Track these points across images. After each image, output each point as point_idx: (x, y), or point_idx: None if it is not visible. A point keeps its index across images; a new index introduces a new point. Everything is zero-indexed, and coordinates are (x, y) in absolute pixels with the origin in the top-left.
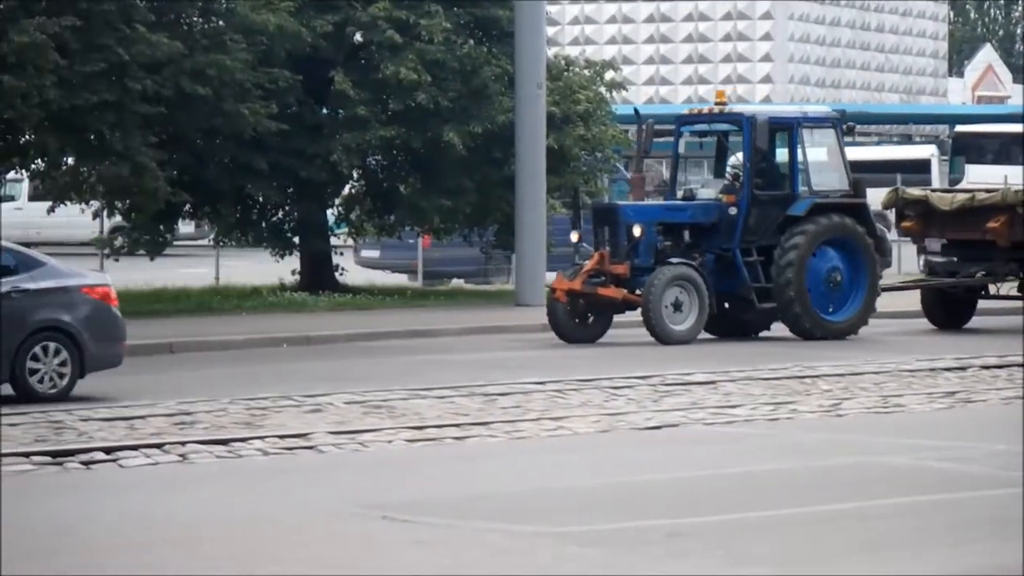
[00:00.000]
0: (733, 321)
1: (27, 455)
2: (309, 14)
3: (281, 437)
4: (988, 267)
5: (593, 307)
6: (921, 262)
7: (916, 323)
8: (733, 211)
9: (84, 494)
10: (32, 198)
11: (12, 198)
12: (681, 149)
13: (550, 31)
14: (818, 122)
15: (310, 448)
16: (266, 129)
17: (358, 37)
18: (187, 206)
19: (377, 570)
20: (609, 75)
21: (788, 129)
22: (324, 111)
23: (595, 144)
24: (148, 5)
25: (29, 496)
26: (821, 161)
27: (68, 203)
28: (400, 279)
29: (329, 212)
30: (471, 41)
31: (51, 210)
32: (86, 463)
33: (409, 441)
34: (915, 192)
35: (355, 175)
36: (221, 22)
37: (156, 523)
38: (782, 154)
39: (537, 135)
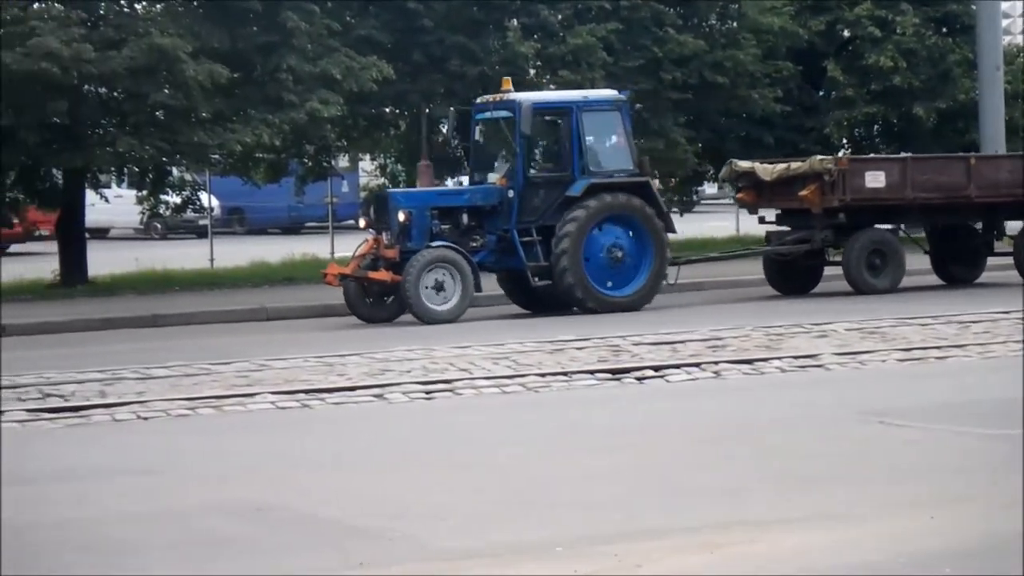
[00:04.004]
0: (541, 296)
1: (592, 372)
2: (806, 16)
3: (795, 357)
4: (807, 235)
5: (385, 289)
6: None
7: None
8: (511, 193)
9: (638, 402)
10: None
11: None
12: (477, 136)
13: (1004, 23)
14: (600, 105)
15: (819, 366)
16: (772, 110)
17: (846, 33)
18: (710, 172)
19: (877, 464)
20: None
21: (562, 114)
22: (820, 94)
23: None
24: (676, 11)
25: (595, 404)
26: (606, 143)
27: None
28: None
29: None
30: (937, 33)
31: None
32: (639, 379)
33: (899, 360)
34: (744, 164)
35: (844, 144)
36: (735, 24)
37: (696, 424)
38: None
39: (997, 110)
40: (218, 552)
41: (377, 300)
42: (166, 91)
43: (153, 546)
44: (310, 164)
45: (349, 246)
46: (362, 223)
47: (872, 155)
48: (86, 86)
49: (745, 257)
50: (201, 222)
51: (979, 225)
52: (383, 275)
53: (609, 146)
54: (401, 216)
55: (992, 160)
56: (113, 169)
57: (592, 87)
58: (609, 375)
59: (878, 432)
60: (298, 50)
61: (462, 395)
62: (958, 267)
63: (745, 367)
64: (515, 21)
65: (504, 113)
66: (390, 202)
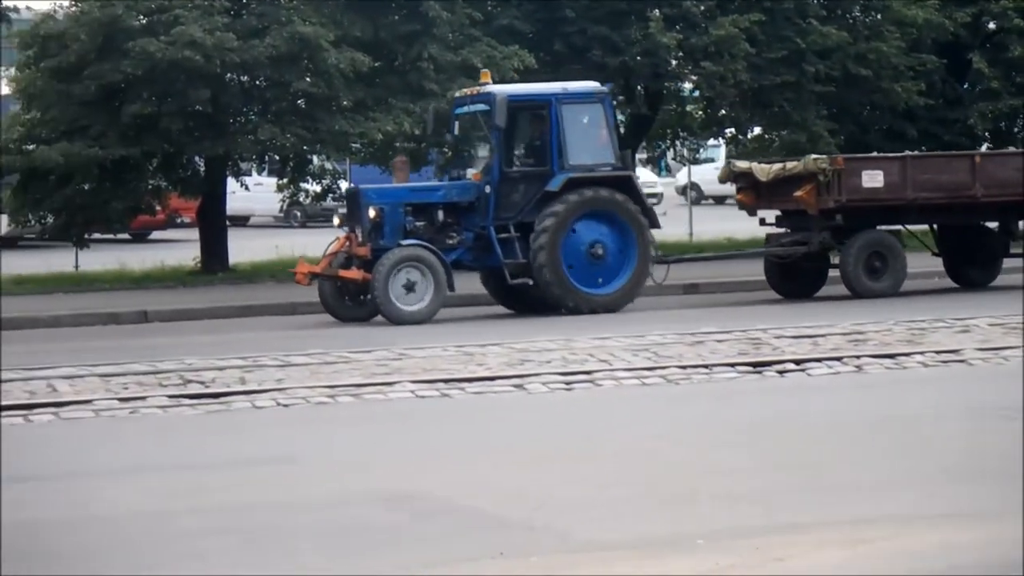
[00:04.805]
0: (524, 295)
1: (733, 365)
2: (951, 8)
3: (937, 352)
4: (805, 236)
5: (359, 288)
6: None
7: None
8: (488, 189)
9: (779, 396)
10: (728, 158)
11: (711, 160)
12: (456, 131)
13: None
14: (581, 98)
15: (961, 362)
16: (915, 103)
17: (991, 25)
18: None
19: (1019, 461)
20: None
21: (541, 107)
22: (964, 86)
23: None
24: (820, 3)
25: (735, 396)
26: (587, 136)
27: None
28: None
29: None
30: None
31: None
32: (780, 372)
33: None
34: (742, 164)
35: (987, 136)
36: (879, 16)
37: (837, 418)
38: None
39: None
40: (359, 540)
41: (354, 299)
42: (308, 79)
43: (296, 534)
44: (450, 154)
45: None
46: (336, 220)
47: (873, 154)
48: (229, 74)
49: (739, 258)
50: (340, 210)
51: (994, 225)
52: (354, 273)
53: (590, 140)
54: (372, 213)
55: (999, 157)
56: (254, 157)
57: (734, 79)
58: (750, 368)
59: (1021, 429)
60: (440, 39)
61: (602, 386)
62: (972, 270)
63: (887, 362)
64: (657, 11)
65: (481, 107)
66: (361, 198)
